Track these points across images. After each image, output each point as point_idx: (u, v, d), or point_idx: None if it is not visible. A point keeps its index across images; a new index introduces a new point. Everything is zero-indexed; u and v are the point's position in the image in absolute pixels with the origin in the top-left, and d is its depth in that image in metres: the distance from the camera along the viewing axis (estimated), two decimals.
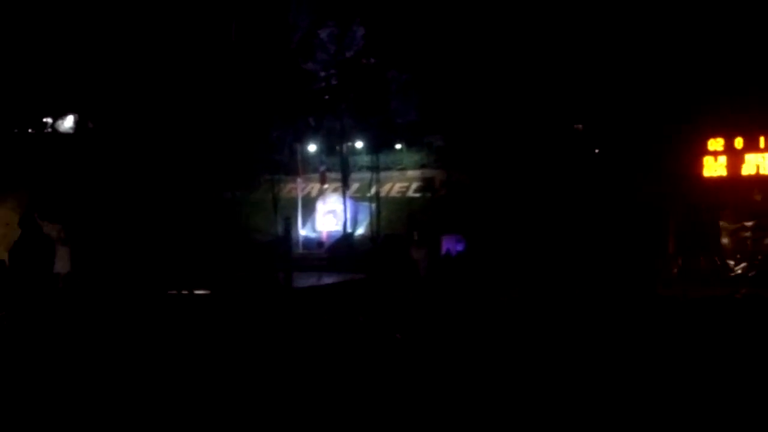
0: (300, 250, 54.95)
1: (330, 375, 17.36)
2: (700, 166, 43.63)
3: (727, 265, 43.51)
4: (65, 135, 62.62)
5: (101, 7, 56.66)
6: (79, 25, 56.50)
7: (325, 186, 60.07)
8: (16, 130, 60.73)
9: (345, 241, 54.99)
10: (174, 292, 34.92)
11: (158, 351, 20.77)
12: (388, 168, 60.64)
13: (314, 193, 61.76)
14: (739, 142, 42.89)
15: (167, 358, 19.85)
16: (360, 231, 57.10)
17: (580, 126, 53.59)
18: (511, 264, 41.53)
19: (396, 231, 52.85)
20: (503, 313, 26.70)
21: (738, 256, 43.60)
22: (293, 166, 59.50)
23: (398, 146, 62.66)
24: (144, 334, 23.72)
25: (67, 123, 63.47)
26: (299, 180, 59.23)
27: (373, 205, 56.42)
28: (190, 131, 55.73)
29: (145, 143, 56.72)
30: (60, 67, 56.87)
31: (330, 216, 58.64)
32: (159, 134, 56.69)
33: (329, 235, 57.26)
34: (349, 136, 59.32)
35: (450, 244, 47.00)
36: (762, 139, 42.48)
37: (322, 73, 56.96)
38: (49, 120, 62.72)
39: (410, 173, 61.07)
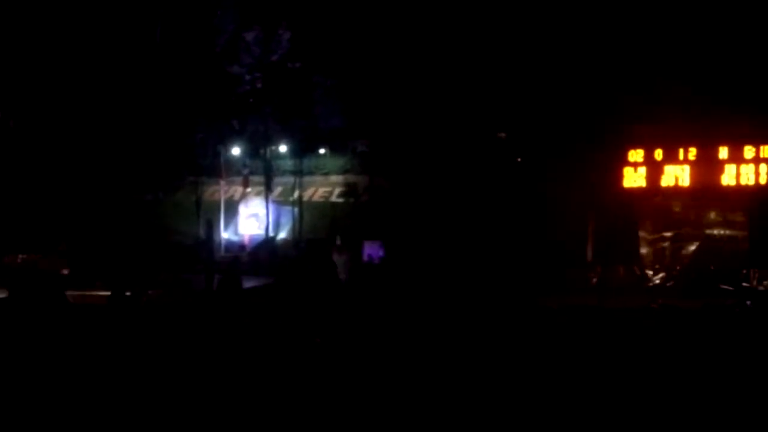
0: (222, 253, 54.06)
1: (247, 376, 17.08)
2: (620, 176, 43.71)
3: (646, 275, 43.71)
4: None
5: (23, 4, 55.51)
6: None
7: (248, 189, 59.37)
8: None
9: (267, 244, 54.51)
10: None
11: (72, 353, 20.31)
12: (311, 172, 60.19)
13: (237, 196, 60.97)
14: (658, 154, 42.95)
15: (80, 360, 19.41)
16: (282, 235, 56.62)
17: (504, 134, 53.42)
18: (430, 271, 41.36)
19: (319, 236, 52.11)
20: (416, 320, 26.61)
21: (656, 266, 43.80)
22: (216, 168, 58.65)
23: (322, 151, 61.97)
24: (60, 338, 23.20)
25: None
26: (222, 182, 58.46)
27: (296, 210, 56.02)
28: (112, 132, 54.76)
29: (66, 143, 55.76)
30: None
31: (252, 219, 58.08)
32: (81, 135, 55.71)
33: (251, 238, 56.70)
34: (273, 139, 58.50)
35: (372, 250, 46.70)
36: (681, 151, 42.56)
37: (247, 77, 56.22)
38: None
39: (334, 178, 60.63)
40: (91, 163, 55.04)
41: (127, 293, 32.90)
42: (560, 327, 26.23)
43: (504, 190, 49.08)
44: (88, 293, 35.00)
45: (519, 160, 52.05)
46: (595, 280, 42.53)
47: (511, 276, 38.70)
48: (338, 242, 46.77)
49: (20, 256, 45.92)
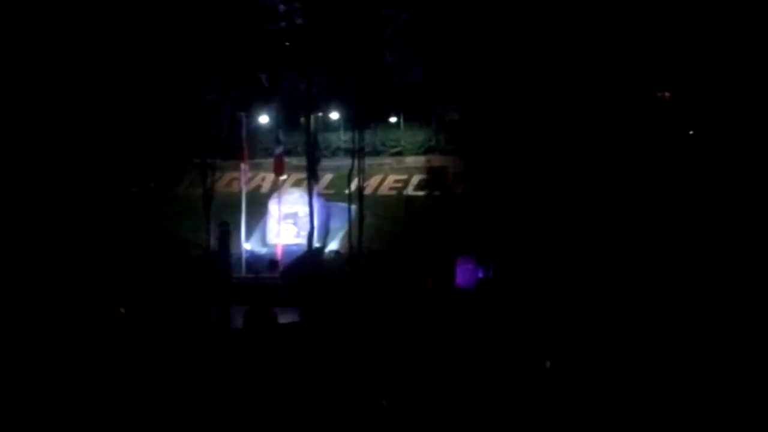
0: (242, 272, 53.78)
1: None
2: None
3: None
4: None
5: None
6: None
7: (283, 177, 58.79)
8: None
9: (310, 261, 53.86)
10: None
11: None
12: (377, 152, 60.00)
13: (266, 187, 61.07)
14: None
15: None
16: (332, 246, 55.97)
17: (667, 94, 53.20)
18: (561, 301, 41.02)
19: (387, 248, 52.22)
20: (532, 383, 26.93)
21: None
22: (235, 146, 58.61)
23: (393, 119, 61.96)
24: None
25: None
26: (243, 167, 57.81)
27: (354, 208, 55.52)
28: (80, 90, 54.71)
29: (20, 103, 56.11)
30: None
31: (288, 223, 57.49)
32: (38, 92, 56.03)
33: (287, 251, 56.20)
34: (319, 103, 58.47)
35: (467, 270, 46.56)
36: None
37: (282, 7, 56.21)
38: None
39: (410, 160, 60.38)
40: (54, 138, 55.32)
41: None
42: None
43: (668, 175, 48.71)
44: None
45: (690, 132, 51.73)
46: None
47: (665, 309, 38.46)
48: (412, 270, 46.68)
49: None
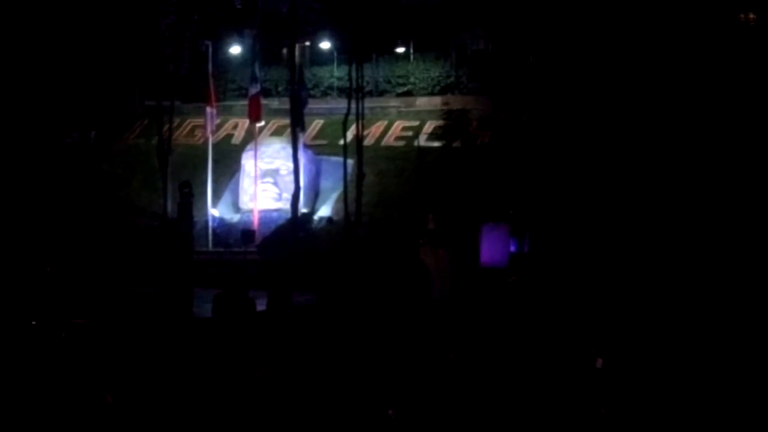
0: (209, 246, 54.31)
1: None
2: None
3: None
4: None
5: None
6: None
7: (260, 124, 58.75)
8: None
9: (295, 230, 53.94)
10: None
11: None
12: (381, 92, 60.24)
13: (238, 136, 61.27)
14: None
15: None
16: (323, 212, 56.27)
17: (752, 15, 52.91)
18: (617, 282, 40.73)
19: (393, 213, 52.62)
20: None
21: None
22: (199, 84, 58.40)
23: (401, 50, 61.75)
24: None
25: None
26: (210, 112, 57.73)
27: (351, 163, 55.39)
28: None
29: None
30: None
31: (267, 183, 57.43)
32: None
33: (265, 218, 56.40)
34: (307, 29, 58.46)
35: (495, 242, 46.33)
36: None
37: None
38: None
39: (423, 102, 60.44)
40: None
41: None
42: None
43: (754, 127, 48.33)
44: None
45: None
46: None
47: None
48: (431, 226, 46.45)
49: None
